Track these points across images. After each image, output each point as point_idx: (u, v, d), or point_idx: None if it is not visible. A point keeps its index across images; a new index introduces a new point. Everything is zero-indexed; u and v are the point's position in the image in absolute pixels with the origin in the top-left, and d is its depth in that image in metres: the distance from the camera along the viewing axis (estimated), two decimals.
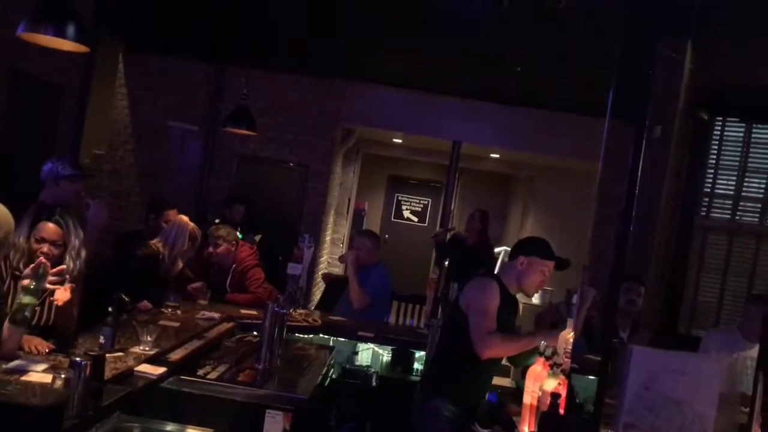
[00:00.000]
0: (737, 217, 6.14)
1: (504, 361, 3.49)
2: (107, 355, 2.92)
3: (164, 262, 4.68)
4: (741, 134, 6.16)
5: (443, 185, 10.01)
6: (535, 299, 6.64)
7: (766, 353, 2.50)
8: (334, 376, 4.38)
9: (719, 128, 6.18)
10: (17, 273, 3.09)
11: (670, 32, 5.40)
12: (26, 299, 2.82)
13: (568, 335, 2.91)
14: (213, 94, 7.93)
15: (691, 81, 5.81)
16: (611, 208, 6.35)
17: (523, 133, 8.14)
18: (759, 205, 6.11)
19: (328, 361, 4.15)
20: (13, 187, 3.69)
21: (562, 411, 2.68)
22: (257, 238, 6.78)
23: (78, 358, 2.51)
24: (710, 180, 6.17)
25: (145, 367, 3.20)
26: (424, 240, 11.93)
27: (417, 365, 4.93)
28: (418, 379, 4.41)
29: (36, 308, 3.05)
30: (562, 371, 2.83)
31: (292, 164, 8.10)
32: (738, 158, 6.15)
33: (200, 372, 3.45)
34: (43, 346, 3.10)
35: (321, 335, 4.96)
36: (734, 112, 6.12)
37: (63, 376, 2.73)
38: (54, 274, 2.96)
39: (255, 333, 4.43)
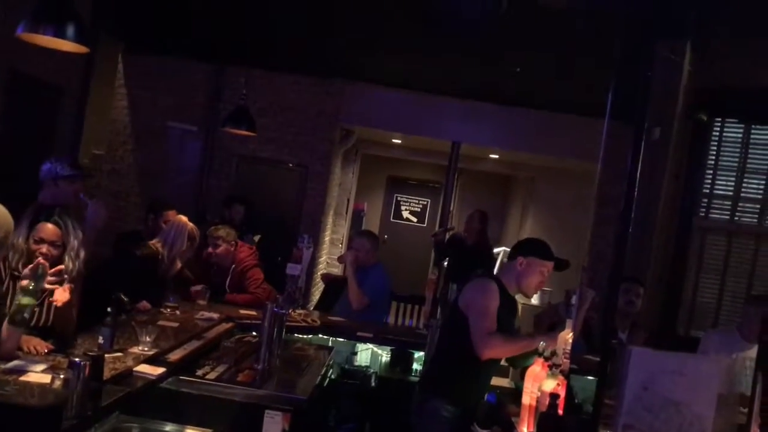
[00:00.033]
0: (736, 218, 6.14)
1: (503, 362, 3.49)
2: (106, 355, 2.92)
3: (163, 263, 4.68)
4: (740, 135, 6.16)
5: (442, 186, 10.02)
6: (534, 300, 6.65)
7: (765, 354, 2.50)
8: (333, 376, 4.39)
9: (718, 129, 6.18)
10: (16, 273, 3.09)
11: (668, 33, 5.41)
12: (25, 300, 2.82)
13: (567, 336, 2.91)
14: (212, 95, 7.93)
15: (690, 82, 5.82)
16: (610, 208, 6.36)
17: (523, 134, 8.14)
18: (758, 206, 6.11)
19: (327, 362, 4.15)
20: (13, 187, 3.69)
21: (561, 411, 2.68)
22: (256, 238, 6.78)
23: (77, 359, 2.51)
24: (709, 181, 6.18)
25: (144, 368, 3.20)
26: (423, 240, 11.94)
27: (416, 366, 4.93)
28: (417, 379, 4.40)
29: (35, 309, 3.05)
30: (561, 372, 2.83)
31: (291, 165, 8.10)
32: (737, 159, 6.16)
33: (199, 372, 3.45)
34: (42, 346, 3.10)
35: (320, 336, 4.96)
36: (733, 113, 6.12)
37: (62, 376, 2.73)
38: (52, 275, 2.96)
39: (254, 333, 4.43)
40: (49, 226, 3.21)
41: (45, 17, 3.33)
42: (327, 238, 9.59)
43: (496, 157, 10.11)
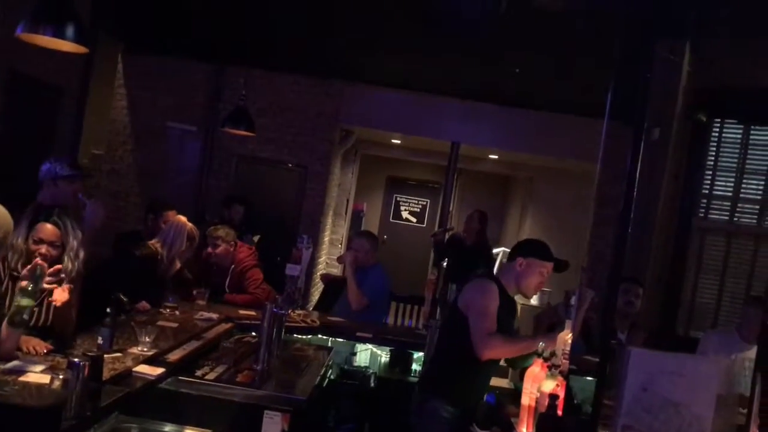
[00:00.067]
0: (735, 219, 6.15)
1: (502, 363, 3.49)
2: (105, 355, 2.92)
3: (162, 263, 4.67)
4: (739, 136, 6.16)
5: (442, 186, 10.02)
6: (534, 300, 6.65)
7: (764, 354, 2.50)
8: (332, 376, 4.38)
9: (717, 130, 6.19)
10: (15, 274, 3.09)
11: (668, 33, 5.41)
12: (24, 301, 2.82)
13: (566, 336, 2.91)
14: (212, 95, 7.93)
15: (689, 83, 5.82)
16: (609, 209, 6.36)
17: (522, 134, 8.15)
18: (757, 207, 6.11)
19: (326, 362, 4.15)
20: (12, 187, 3.69)
21: (560, 412, 2.68)
22: (256, 238, 6.78)
23: (76, 359, 2.51)
24: (708, 181, 6.18)
25: (143, 368, 3.20)
26: (422, 241, 11.94)
27: (415, 366, 4.93)
28: (416, 380, 4.40)
29: (34, 309, 3.05)
30: (560, 372, 2.82)
31: (290, 165, 8.10)
32: (736, 160, 6.16)
33: (198, 373, 3.45)
34: (41, 346, 3.10)
35: (319, 336, 4.96)
36: (732, 114, 6.13)
37: (61, 376, 2.73)
38: (50, 274, 2.96)
39: (253, 334, 4.43)
40: (48, 226, 3.21)
41: (44, 17, 3.33)
42: (326, 239, 9.60)
43: (496, 157, 10.11)
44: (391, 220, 13.08)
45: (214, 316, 4.58)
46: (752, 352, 3.02)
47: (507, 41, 6.02)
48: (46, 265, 2.93)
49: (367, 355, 5.10)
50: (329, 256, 10.02)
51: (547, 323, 4.39)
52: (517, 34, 5.81)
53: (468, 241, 7.33)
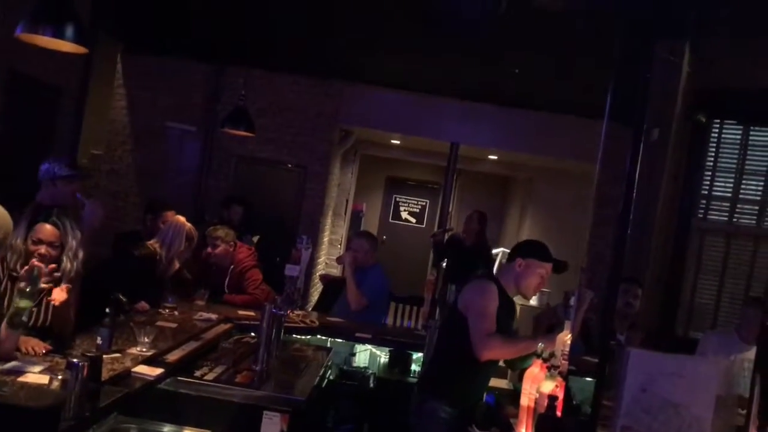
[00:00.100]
0: (734, 220, 6.15)
1: (501, 363, 3.49)
2: (104, 356, 2.92)
3: (161, 263, 4.67)
4: (738, 136, 6.16)
5: (441, 186, 10.02)
6: (533, 301, 6.64)
7: (764, 355, 2.50)
8: (331, 377, 4.39)
9: (717, 130, 6.19)
10: (14, 274, 3.08)
11: (668, 33, 5.41)
12: (22, 303, 2.82)
13: (565, 337, 2.91)
14: (211, 95, 7.92)
15: (689, 83, 5.82)
16: (609, 209, 6.35)
17: (522, 135, 8.15)
18: (756, 208, 6.11)
19: (325, 363, 4.15)
20: (12, 187, 3.69)
21: (559, 413, 2.68)
22: (255, 239, 6.77)
23: (75, 360, 2.51)
24: (708, 182, 6.18)
25: (142, 368, 3.20)
26: (421, 241, 11.94)
27: (414, 367, 4.93)
28: (415, 380, 4.41)
29: (32, 309, 3.05)
30: (560, 373, 2.82)
31: (290, 165, 8.10)
32: (735, 160, 6.16)
33: (197, 373, 3.45)
34: (40, 347, 3.09)
35: (318, 336, 4.96)
36: (732, 115, 6.13)
37: (60, 377, 2.73)
38: (46, 274, 2.95)
39: (252, 334, 4.43)
40: (48, 226, 3.21)
41: (44, 18, 3.33)
42: (326, 239, 9.59)
43: (495, 158, 10.11)
44: (390, 220, 13.08)
45: (213, 316, 4.58)
46: (751, 353, 3.02)
47: (507, 41, 6.01)
48: (43, 266, 2.93)
49: (367, 355, 5.10)
50: (328, 256, 10.02)
51: (546, 324, 4.39)
52: (517, 34, 5.81)
53: (467, 241, 7.33)
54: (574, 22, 5.37)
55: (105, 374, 2.81)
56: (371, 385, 4.69)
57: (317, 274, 8.32)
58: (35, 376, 2.75)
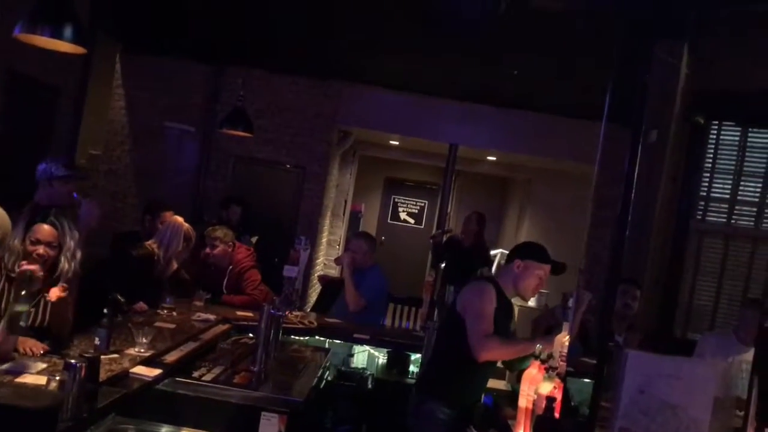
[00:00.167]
0: (733, 221, 6.15)
1: (499, 364, 3.49)
2: (102, 356, 2.91)
3: (159, 263, 4.67)
4: (737, 138, 6.17)
5: (440, 187, 10.02)
6: (532, 302, 6.62)
7: (761, 357, 2.50)
8: (329, 378, 4.38)
9: (715, 132, 6.20)
10: (12, 275, 3.08)
11: (667, 34, 5.41)
12: (19, 307, 2.81)
13: (563, 339, 2.91)
14: (210, 95, 7.92)
15: (688, 85, 5.83)
16: (607, 211, 6.36)
17: (520, 136, 8.14)
18: (754, 209, 6.12)
19: (323, 364, 4.15)
20: (10, 187, 3.69)
21: (557, 414, 2.68)
22: (254, 239, 6.77)
23: (73, 360, 2.51)
24: (706, 184, 6.19)
25: (140, 369, 3.19)
26: (420, 242, 11.95)
27: (413, 368, 4.92)
28: (413, 381, 4.40)
29: (30, 310, 3.05)
30: (558, 374, 2.82)
31: (288, 166, 8.10)
32: (734, 162, 6.16)
33: (195, 374, 3.44)
34: (37, 347, 3.09)
35: (316, 337, 4.96)
36: (730, 116, 6.13)
37: (58, 378, 2.72)
38: (39, 278, 2.94)
39: (250, 335, 4.43)
40: (46, 227, 3.20)
41: (43, 18, 3.32)
42: (324, 240, 9.59)
43: (494, 159, 10.11)
44: (389, 221, 13.08)
45: (212, 317, 4.57)
46: (749, 355, 3.02)
47: (506, 42, 6.02)
48: (34, 268, 2.92)
49: (365, 356, 5.09)
50: (327, 257, 10.02)
51: (545, 326, 4.39)
52: (516, 35, 5.81)
53: (466, 242, 7.33)
54: (573, 23, 5.37)
55: (103, 375, 2.80)
56: (369, 386, 4.69)
57: (316, 274, 8.32)
58: (33, 377, 2.74)
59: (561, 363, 2.85)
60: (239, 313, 4.91)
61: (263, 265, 5.61)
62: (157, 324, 4.10)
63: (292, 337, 4.78)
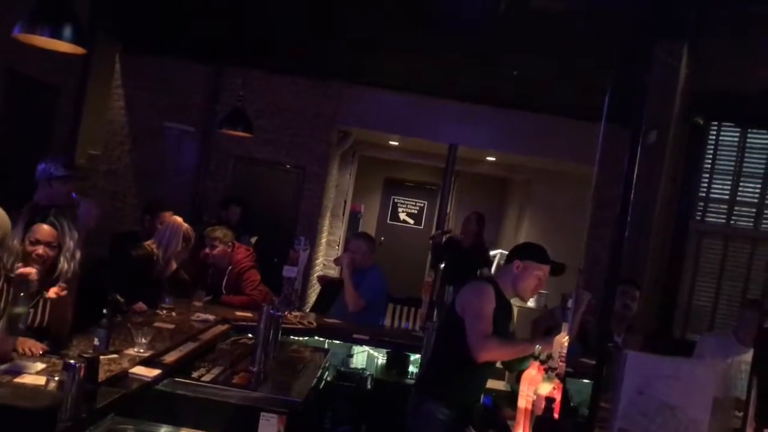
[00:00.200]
0: (732, 222, 6.16)
1: (498, 365, 3.49)
2: (101, 356, 2.91)
3: (158, 264, 4.67)
4: (736, 139, 6.17)
5: (439, 188, 10.02)
6: (531, 303, 6.62)
7: (761, 358, 2.50)
8: (328, 378, 4.38)
9: (714, 133, 6.20)
10: (11, 275, 3.07)
11: (666, 34, 5.42)
12: (18, 309, 2.81)
13: (562, 339, 2.91)
14: (209, 96, 7.92)
15: (687, 85, 5.83)
16: (607, 211, 6.36)
17: (520, 136, 8.14)
18: (754, 210, 6.12)
19: (322, 364, 4.15)
20: (10, 187, 3.68)
21: (556, 415, 2.68)
22: (253, 240, 6.77)
23: (72, 361, 2.51)
24: (705, 184, 6.19)
25: (139, 369, 3.19)
26: (419, 242, 11.95)
27: (412, 368, 4.92)
28: (413, 382, 4.40)
29: (30, 310, 3.05)
30: (557, 375, 2.82)
31: (288, 166, 8.10)
32: (733, 163, 6.17)
33: (195, 374, 3.44)
34: (36, 347, 3.09)
35: (316, 338, 4.96)
36: (729, 117, 6.14)
37: (57, 378, 2.72)
38: (35, 280, 2.93)
39: (250, 335, 4.43)
40: (45, 227, 3.20)
41: (42, 18, 3.32)
42: (324, 240, 9.59)
43: (493, 159, 10.11)
44: (388, 221, 13.08)
45: (211, 317, 4.57)
46: (749, 356, 3.02)
47: (506, 42, 6.02)
48: (29, 272, 2.92)
49: (364, 357, 5.09)
50: (326, 257, 10.01)
51: (544, 326, 4.39)
52: (516, 35, 5.81)
53: (465, 243, 7.33)
54: (573, 23, 5.37)
55: (102, 375, 2.80)
56: (369, 386, 4.69)
57: (315, 275, 8.32)
58: (32, 377, 2.74)
59: (560, 363, 2.85)
60: (238, 313, 4.91)
61: (262, 265, 5.61)
62: (157, 324, 4.10)
63: (292, 337, 4.78)
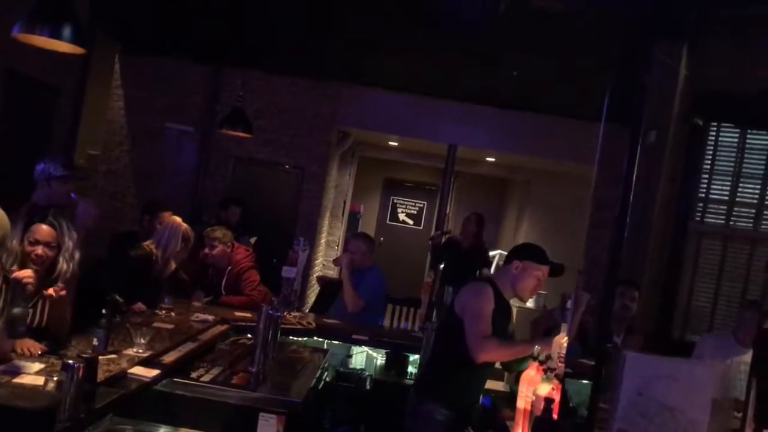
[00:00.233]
0: (731, 223, 6.16)
1: (497, 366, 3.49)
2: (100, 357, 2.91)
3: (157, 264, 4.67)
4: (735, 140, 6.17)
5: (439, 188, 10.02)
6: (530, 303, 6.62)
7: (760, 359, 2.50)
8: (327, 379, 4.38)
9: (714, 133, 6.20)
10: (9, 276, 3.07)
11: (666, 35, 5.42)
12: (15, 310, 2.81)
13: (562, 340, 2.91)
14: (209, 96, 7.91)
15: (686, 86, 5.83)
16: (606, 212, 6.36)
17: (519, 137, 8.14)
18: (753, 211, 6.12)
19: (322, 364, 4.15)
20: (9, 187, 3.68)
21: (555, 416, 2.67)
22: (252, 240, 6.77)
23: (71, 361, 2.51)
24: (705, 185, 6.19)
25: (138, 370, 3.19)
26: (419, 243, 11.95)
27: (411, 369, 4.92)
28: (412, 382, 4.40)
29: (29, 310, 3.05)
30: (556, 376, 2.82)
31: (287, 166, 8.09)
32: (732, 164, 6.17)
33: (194, 374, 3.44)
34: (35, 348, 3.09)
35: (315, 338, 4.95)
36: (729, 118, 6.14)
37: (55, 378, 2.72)
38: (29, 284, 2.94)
39: (249, 335, 4.42)
40: (44, 227, 3.20)
41: (41, 18, 3.31)
42: (323, 240, 9.59)
43: (493, 160, 10.11)
44: (387, 222, 13.08)
45: (210, 317, 4.57)
46: (748, 356, 3.02)
47: (506, 43, 6.02)
48: (28, 276, 2.91)
49: (363, 357, 5.09)
50: (326, 258, 10.01)
51: (544, 327, 4.39)
52: (516, 35, 5.81)
53: (465, 243, 7.33)
54: (573, 24, 5.37)
55: (101, 375, 2.80)
56: (368, 387, 4.69)
57: (314, 275, 8.32)
58: (31, 377, 2.74)
59: (559, 364, 2.85)
60: (238, 313, 4.91)
61: (262, 265, 5.61)
62: (156, 324, 4.10)
63: (291, 337, 4.78)
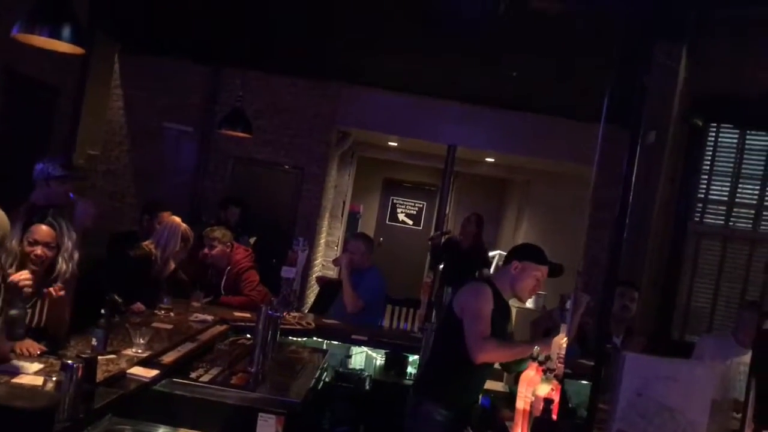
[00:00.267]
0: (731, 223, 6.15)
1: (497, 366, 3.49)
2: (99, 357, 2.91)
3: (156, 264, 4.66)
4: (735, 140, 6.17)
5: (438, 189, 10.01)
6: (529, 304, 6.63)
7: (759, 359, 2.50)
8: (327, 379, 4.38)
9: (713, 134, 6.20)
10: (7, 278, 3.07)
11: (666, 35, 5.42)
12: (13, 312, 2.81)
13: (561, 340, 2.91)
14: (208, 96, 7.91)
15: (686, 87, 5.83)
16: (605, 212, 6.36)
17: (519, 137, 8.14)
18: (752, 212, 6.12)
19: (321, 365, 4.15)
20: (8, 187, 3.68)
21: (555, 416, 2.67)
22: (252, 240, 6.77)
23: (70, 361, 2.50)
24: (704, 186, 6.19)
25: (137, 370, 3.19)
26: (418, 243, 11.94)
27: (410, 369, 4.92)
28: (411, 383, 4.40)
29: (27, 310, 3.04)
30: (555, 376, 2.82)
31: (287, 166, 8.09)
32: (732, 164, 6.17)
33: (193, 375, 3.44)
34: (34, 348, 3.08)
35: (314, 338, 4.95)
36: (728, 119, 6.13)
37: (54, 378, 2.72)
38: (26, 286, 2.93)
39: (248, 336, 4.42)
40: (44, 227, 3.19)
41: (41, 18, 3.31)
42: (322, 241, 9.58)
43: (492, 160, 10.11)
44: (387, 222, 13.08)
45: (209, 318, 4.57)
46: (748, 357, 3.02)
47: (505, 43, 6.02)
48: (25, 279, 2.91)
49: (363, 357, 5.09)
50: (325, 258, 10.01)
51: (543, 328, 4.39)
52: (516, 36, 5.82)
53: (464, 244, 7.32)
54: (573, 24, 5.38)
55: (100, 375, 2.80)
56: (367, 387, 4.69)
57: (314, 275, 8.32)
58: (30, 378, 2.74)
59: (559, 365, 2.84)
60: (237, 313, 4.91)
61: (261, 265, 5.61)
62: (155, 325, 4.09)
63: (290, 338, 4.78)
